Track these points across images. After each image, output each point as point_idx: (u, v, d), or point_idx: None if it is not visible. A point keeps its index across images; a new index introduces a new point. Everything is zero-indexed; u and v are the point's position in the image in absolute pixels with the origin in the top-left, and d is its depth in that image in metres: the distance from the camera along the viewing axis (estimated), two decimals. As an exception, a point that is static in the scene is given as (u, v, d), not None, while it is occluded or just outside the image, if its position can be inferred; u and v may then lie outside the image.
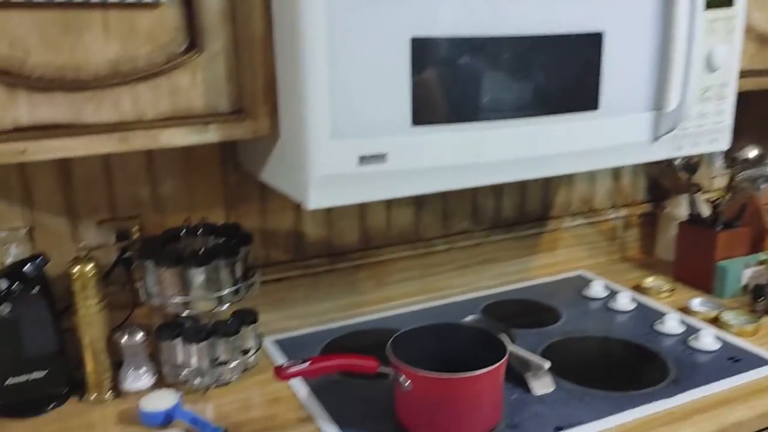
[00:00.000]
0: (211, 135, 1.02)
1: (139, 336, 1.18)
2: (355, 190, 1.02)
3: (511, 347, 1.15)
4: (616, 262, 1.80)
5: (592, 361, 1.32)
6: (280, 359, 1.32)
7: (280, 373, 0.97)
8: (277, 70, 1.03)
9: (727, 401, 1.14)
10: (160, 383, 1.21)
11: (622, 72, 1.16)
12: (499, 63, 1.06)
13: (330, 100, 0.96)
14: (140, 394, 1.16)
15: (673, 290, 1.58)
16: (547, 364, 1.17)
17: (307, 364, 0.97)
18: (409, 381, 1.02)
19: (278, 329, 1.43)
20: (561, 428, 1.08)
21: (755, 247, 1.62)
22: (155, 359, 1.23)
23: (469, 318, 1.39)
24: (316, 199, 1.00)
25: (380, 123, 1.00)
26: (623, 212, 1.80)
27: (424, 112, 1.03)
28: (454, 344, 1.15)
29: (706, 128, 1.27)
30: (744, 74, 1.32)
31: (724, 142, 1.31)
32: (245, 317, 1.25)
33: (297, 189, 1.02)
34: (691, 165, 1.63)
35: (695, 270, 1.60)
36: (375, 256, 1.52)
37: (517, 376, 1.20)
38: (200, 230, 1.20)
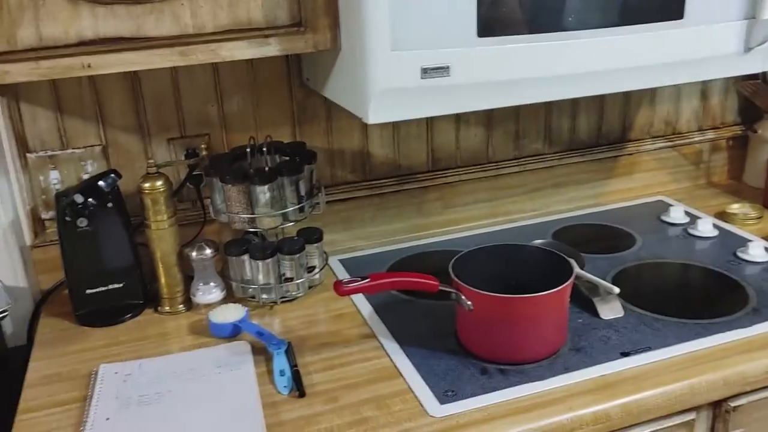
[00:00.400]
0: (271, 48, 1.00)
1: (208, 251, 1.21)
2: (417, 105, 0.99)
3: (578, 271, 1.12)
4: (701, 188, 1.70)
5: (666, 289, 1.27)
6: (344, 277, 1.32)
7: (339, 288, 0.97)
8: (338, -21, 0.99)
9: (812, 332, 1.08)
10: (229, 297, 1.25)
11: (712, -24, 1.06)
12: (574, -33, 0.98)
13: (390, 10, 0.92)
14: (210, 307, 1.20)
15: (760, 218, 1.48)
16: (616, 290, 1.13)
17: (366, 280, 0.97)
18: (470, 301, 1.01)
19: (344, 249, 1.44)
20: (627, 353, 1.04)
21: None
22: (224, 274, 1.26)
23: (537, 242, 1.35)
24: (376, 114, 0.98)
25: (443, 34, 0.96)
26: (710, 135, 1.69)
27: (490, 23, 0.97)
28: (520, 266, 1.12)
29: (807, 38, 1.16)
30: None
31: (826, 55, 1.19)
32: (310, 235, 1.26)
33: (358, 103, 1.00)
34: (788, 82, 1.50)
35: (787, 196, 1.50)
36: (443, 177, 1.49)
37: (585, 300, 1.16)
38: (265, 148, 1.20)
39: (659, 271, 1.31)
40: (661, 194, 1.66)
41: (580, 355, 1.05)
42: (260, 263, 1.20)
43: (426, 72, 0.97)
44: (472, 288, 1.00)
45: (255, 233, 1.25)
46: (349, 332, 1.15)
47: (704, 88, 1.65)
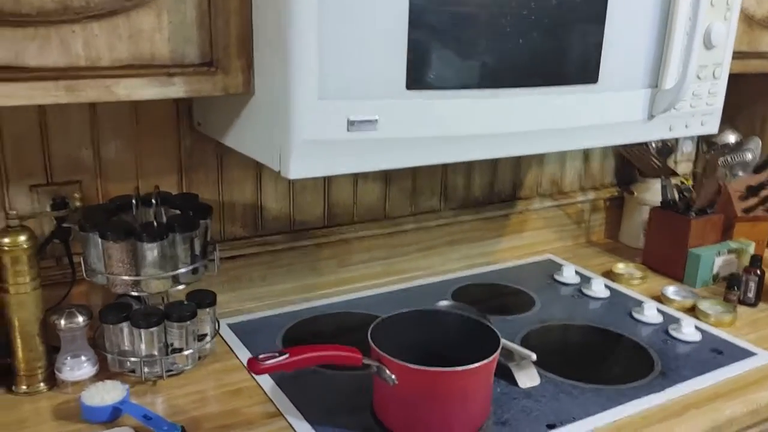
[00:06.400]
0: (175, 89, 0.88)
1: (80, 319, 1.03)
2: (342, 159, 0.90)
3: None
4: (583, 246, 1.74)
5: (573, 351, 1.25)
6: (237, 346, 1.19)
7: (255, 366, 0.84)
8: (254, 17, 0.89)
9: (718, 396, 1.09)
10: (102, 372, 1.06)
11: (622, 44, 1.08)
12: (502, 25, 0.95)
13: (318, 56, 0.84)
14: (80, 385, 1.02)
15: (644, 277, 1.53)
16: (533, 356, 1.09)
17: (285, 356, 0.85)
18: (394, 374, 0.92)
19: (233, 311, 1.30)
20: (553, 426, 1.00)
21: (724, 235, 1.59)
22: (96, 345, 1.08)
23: (442, 303, 1.30)
24: (298, 168, 0.88)
25: (372, 84, 0.88)
26: (591, 195, 1.74)
27: (419, 75, 0.91)
28: (438, 333, 1.05)
29: (698, 109, 1.21)
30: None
31: (714, 125, 1.26)
32: (202, 299, 1.12)
33: (275, 156, 0.89)
34: (667, 148, 1.58)
35: (666, 257, 1.56)
36: (339, 233, 1.40)
37: (501, 367, 1.11)
38: (154, 200, 1.05)
39: (564, 334, 1.30)
40: (548, 252, 1.68)
41: (505, 429, 0.99)
42: (143, 332, 1.04)
43: (352, 124, 0.89)
44: (397, 361, 0.91)
45: (137, 297, 1.08)
46: (250, 411, 1.01)
47: (587, 151, 1.71)
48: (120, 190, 1.14)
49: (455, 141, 0.98)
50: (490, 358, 0.93)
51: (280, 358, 0.84)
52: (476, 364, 0.91)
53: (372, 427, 0.98)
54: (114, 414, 0.96)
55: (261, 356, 0.85)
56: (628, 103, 1.13)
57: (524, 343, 1.24)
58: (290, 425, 0.98)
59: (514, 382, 1.10)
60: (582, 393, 1.08)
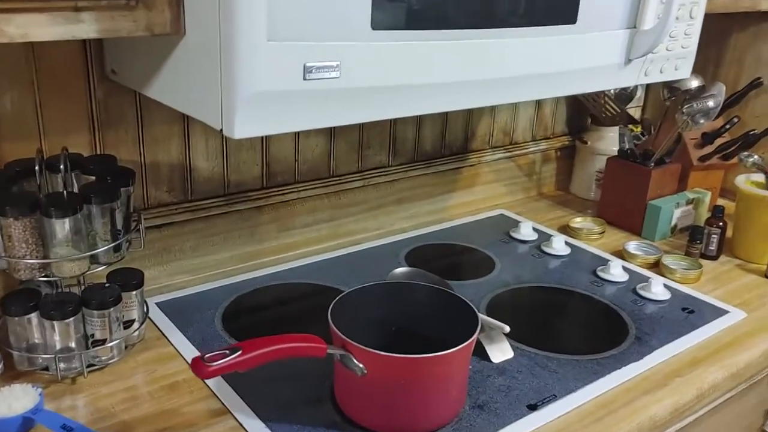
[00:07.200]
0: (84, 27, 0.70)
1: (-24, 312, 0.85)
2: (297, 114, 0.75)
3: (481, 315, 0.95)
4: (534, 200, 1.65)
5: (541, 317, 1.16)
6: (170, 330, 1.03)
7: (202, 369, 0.69)
8: (182, -63, 0.72)
9: (698, 361, 1.03)
10: (8, 372, 0.90)
11: (601, -22, 0.96)
12: (478, -48, 0.81)
13: (266, -14, 0.67)
14: (-19, 390, 0.85)
15: (603, 232, 1.46)
16: (506, 328, 0.99)
17: (237, 354, 0.71)
18: (362, 363, 0.80)
19: (161, 287, 1.14)
20: (534, 406, 0.90)
21: (680, 185, 1.53)
22: (1, 341, 0.90)
23: (398, 271, 1.18)
24: (244, 126, 0.72)
25: (333, 23, 0.73)
26: (543, 145, 1.65)
27: (387, 12, 0.77)
28: (404, 308, 0.94)
29: (674, 53, 1.12)
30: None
31: (687, 70, 1.17)
32: (127, 279, 0.95)
33: (214, 111, 0.73)
34: (626, 95, 1.49)
35: (623, 209, 1.49)
36: (279, 195, 1.25)
37: (471, 341, 1.01)
38: (62, 165, 0.87)
39: (529, 298, 1.21)
40: (499, 207, 1.58)
41: (484, 414, 0.88)
42: (56, 324, 0.87)
43: (310, 71, 0.73)
44: (366, 348, 0.79)
45: (48, 282, 0.91)
46: (191, 409, 0.87)
47: (539, 99, 1.60)
48: (18, 152, 0.95)
49: (428, 90, 0.84)
50: (470, 339, 0.82)
51: (232, 356, 0.70)
52: (456, 348, 0.80)
53: (336, 421, 0.86)
54: (25, 426, 0.80)
55: (207, 356, 0.70)
56: (607, 45, 1.02)
57: (490, 311, 1.14)
58: (240, 424, 0.84)
59: (485, 356, 1.00)
60: (559, 366, 0.99)
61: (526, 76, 0.94)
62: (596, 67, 1.03)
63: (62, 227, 0.84)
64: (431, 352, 0.79)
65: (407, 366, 0.79)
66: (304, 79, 0.73)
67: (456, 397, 0.87)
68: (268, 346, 0.73)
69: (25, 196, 0.85)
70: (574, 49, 0.98)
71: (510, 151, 1.59)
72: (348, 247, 1.34)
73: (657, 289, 1.20)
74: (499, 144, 1.57)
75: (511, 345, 1.03)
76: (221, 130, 0.73)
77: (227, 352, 0.71)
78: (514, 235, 1.42)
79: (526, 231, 1.42)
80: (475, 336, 0.83)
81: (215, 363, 0.69)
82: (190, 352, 0.98)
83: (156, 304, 1.09)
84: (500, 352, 1.01)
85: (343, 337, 0.80)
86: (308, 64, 0.73)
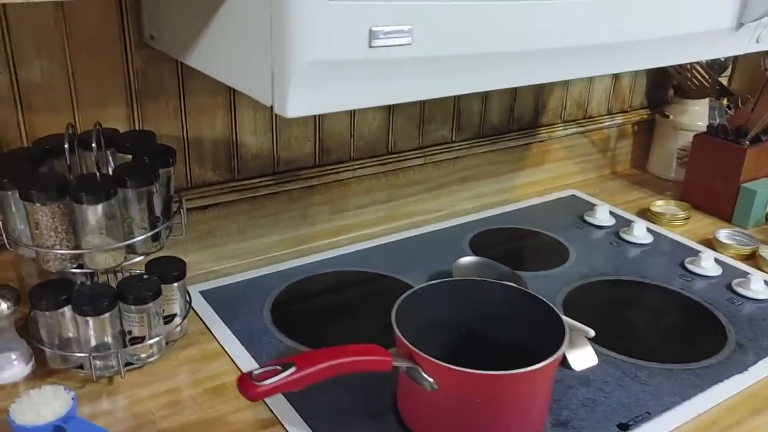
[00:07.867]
0: (114, -15, 0.59)
1: (4, 306, 0.77)
2: (360, 87, 0.64)
3: (567, 320, 0.83)
4: (608, 179, 1.51)
5: (626, 317, 1.03)
6: (215, 323, 0.94)
7: (250, 389, 0.59)
8: None
9: (812, 373, 0.90)
10: (39, 370, 0.82)
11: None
12: None
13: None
14: (8, 390, 0.77)
15: (688, 218, 1.31)
16: (591, 333, 0.87)
17: (291, 370, 0.60)
18: (432, 378, 0.69)
19: (205, 274, 1.05)
20: (626, 426, 0.79)
21: (775, 166, 1.37)
22: (29, 335, 0.82)
23: (464, 261, 1.06)
24: (299, 102, 0.61)
25: (402, -21, 0.61)
26: (619, 119, 1.50)
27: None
28: (475, 309, 0.82)
29: (789, 16, 0.96)
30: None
31: (803, 36, 1.01)
32: (168, 270, 0.86)
33: (265, 85, 0.62)
34: (721, 62, 1.33)
35: (711, 192, 1.34)
36: (333, 173, 1.14)
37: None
38: (94, 143, 0.77)
39: (611, 294, 1.08)
40: (570, 187, 1.45)
41: (568, 433, 0.77)
42: (91, 320, 0.79)
43: (377, 37, 0.61)
44: (439, 362, 0.68)
45: (80, 273, 0.82)
46: (238, 419, 0.78)
47: (617, 67, 1.45)
48: (50, 126, 0.86)
49: (512, 58, 0.71)
50: (558, 353, 0.70)
51: (284, 374, 0.60)
52: (541, 364, 0.68)
53: (399, 435, 0.76)
54: (56, 435, 0.72)
55: (256, 373, 0.60)
56: (715, 7, 0.87)
57: (567, 308, 1.02)
58: (292, 438, 0.75)
59: (565, 363, 0.89)
60: (650, 376, 0.87)
61: (626, 43, 0.81)
62: (701, 33, 0.88)
63: (94, 214, 0.75)
64: (507, 360, 0.68)
65: (485, 383, 0.68)
66: (370, 46, 0.61)
67: (537, 415, 0.75)
68: (325, 361, 0.63)
69: (53, 179, 0.76)
70: (678, 13, 0.84)
71: (583, 126, 1.44)
72: (406, 230, 1.23)
73: (757, 286, 1.06)
74: (571, 118, 1.43)
75: (595, 350, 0.91)
76: (272, 107, 0.62)
77: (279, 368, 0.61)
78: (588, 219, 1.29)
79: (602, 215, 1.28)
80: (563, 348, 0.71)
81: (265, 382, 0.59)
82: (237, 350, 0.89)
83: (200, 292, 1.01)
84: (583, 359, 0.89)
85: (411, 347, 0.69)
86: (375, 29, 0.61)
